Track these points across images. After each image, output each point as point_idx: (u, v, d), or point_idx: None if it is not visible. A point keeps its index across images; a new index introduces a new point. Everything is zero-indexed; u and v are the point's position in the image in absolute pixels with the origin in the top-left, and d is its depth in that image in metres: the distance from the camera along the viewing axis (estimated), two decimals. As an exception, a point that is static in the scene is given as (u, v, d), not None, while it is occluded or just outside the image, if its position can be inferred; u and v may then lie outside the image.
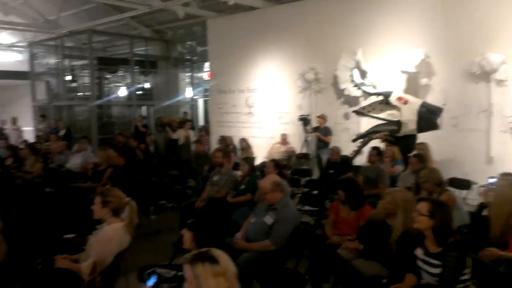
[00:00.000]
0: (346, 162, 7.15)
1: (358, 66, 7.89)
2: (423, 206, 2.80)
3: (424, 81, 7.30)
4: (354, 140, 7.45)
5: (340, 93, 8.38)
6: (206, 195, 5.72)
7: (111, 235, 3.26)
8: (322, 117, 8.43)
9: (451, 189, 5.26)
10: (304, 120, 8.65)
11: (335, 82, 8.42)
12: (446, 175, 6.05)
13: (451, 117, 7.02)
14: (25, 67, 13.99)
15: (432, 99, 7.14)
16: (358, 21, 8.04)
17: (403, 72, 7.41)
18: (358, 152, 7.46)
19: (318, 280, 3.51)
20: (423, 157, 5.52)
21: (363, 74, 7.87)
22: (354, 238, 3.63)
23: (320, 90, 8.76)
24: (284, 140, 8.95)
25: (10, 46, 13.90)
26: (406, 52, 7.40)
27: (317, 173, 8.00)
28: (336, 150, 7.22)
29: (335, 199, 4.42)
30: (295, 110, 9.11)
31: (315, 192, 6.10)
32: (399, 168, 6.06)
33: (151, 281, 2.22)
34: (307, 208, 5.32)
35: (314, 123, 8.64)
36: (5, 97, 16.56)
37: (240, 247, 3.55)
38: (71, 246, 3.68)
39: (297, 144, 8.94)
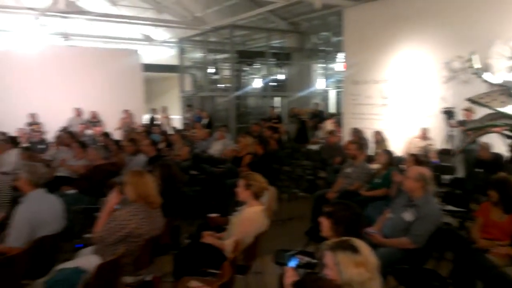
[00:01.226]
0: (497, 160, 6.41)
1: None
2: None
3: None
4: (465, 131, 6.64)
5: (491, 83, 7.50)
6: (338, 186, 5.72)
7: (252, 217, 3.45)
8: (469, 110, 7.66)
9: None
10: (448, 113, 7.94)
11: (487, 72, 7.56)
12: None
13: None
14: (175, 61, 15.51)
15: None
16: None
17: None
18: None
19: (462, 284, 3.25)
20: None
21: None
22: (507, 244, 3.27)
23: (468, 80, 7.96)
24: (423, 134, 8.38)
25: (163, 42, 15.49)
26: None
27: (461, 171, 7.32)
28: (486, 147, 6.51)
29: (484, 200, 4.01)
30: (437, 102, 8.45)
31: (458, 191, 5.61)
32: None
33: (293, 263, 2.32)
34: (450, 208, 4.93)
35: (459, 116, 7.91)
36: (158, 88, 18.60)
37: (376, 242, 3.45)
38: (215, 224, 4.02)
39: (438, 139, 8.30)
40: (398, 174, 4.80)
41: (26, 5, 11.31)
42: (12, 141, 7.27)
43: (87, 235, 4.36)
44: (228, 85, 13.59)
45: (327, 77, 13.88)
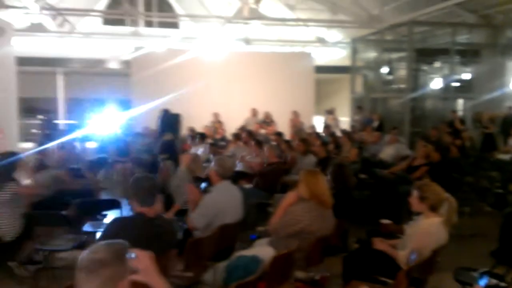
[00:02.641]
0: None
1: None
2: None
3: None
4: None
5: None
6: (537, 204, 4.87)
7: (429, 229, 3.19)
8: None
9: None
10: None
11: None
12: None
13: None
14: (345, 62, 15.39)
15: None
16: None
17: None
18: None
19: None
20: None
21: None
22: None
23: None
24: None
25: (336, 43, 15.53)
26: None
27: None
28: None
29: None
30: None
31: None
32: None
33: (482, 282, 2.06)
34: None
35: None
36: (327, 89, 18.79)
37: None
38: (386, 231, 3.82)
39: None
40: None
41: (215, 14, 12.69)
42: (202, 137, 8.21)
43: (260, 228, 4.64)
44: (403, 86, 12.86)
45: (524, 76, 11.93)
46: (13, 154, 4.38)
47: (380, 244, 3.39)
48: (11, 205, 4.07)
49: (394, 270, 2.98)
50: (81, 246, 4.00)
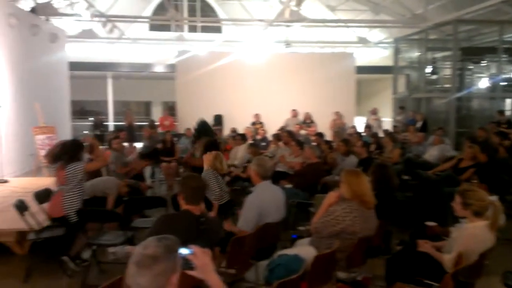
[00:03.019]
0: None
1: None
2: None
3: None
4: None
5: None
6: None
7: (474, 233, 3.11)
8: None
9: None
10: None
11: None
12: None
13: None
14: (387, 62, 15.10)
15: None
16: None
17: None
18: None
19: None
20: None
21: None
22: None
23: None
24: None
25: (378, 43, 15.28)
26: None
27: None
28: None
29: None
30: None
31: None
32: None
33: None
34: None
35: None
36: (368, 89, 18.51)
37: None
38: (431, 233, 3.76)
39: None
40: None
41: (257, 17, 12.85)
42: (242, 138, 8.36)
43: (301, 228, 4.68)
44: (447, 85, 12.48)
45: None
46: (76, 140, 4.76)
47: (425, 246, 3.35)
48: (75, 184, 4.29)
49: (439, 273, 2.95)
50: (131, 241, 4.19)
